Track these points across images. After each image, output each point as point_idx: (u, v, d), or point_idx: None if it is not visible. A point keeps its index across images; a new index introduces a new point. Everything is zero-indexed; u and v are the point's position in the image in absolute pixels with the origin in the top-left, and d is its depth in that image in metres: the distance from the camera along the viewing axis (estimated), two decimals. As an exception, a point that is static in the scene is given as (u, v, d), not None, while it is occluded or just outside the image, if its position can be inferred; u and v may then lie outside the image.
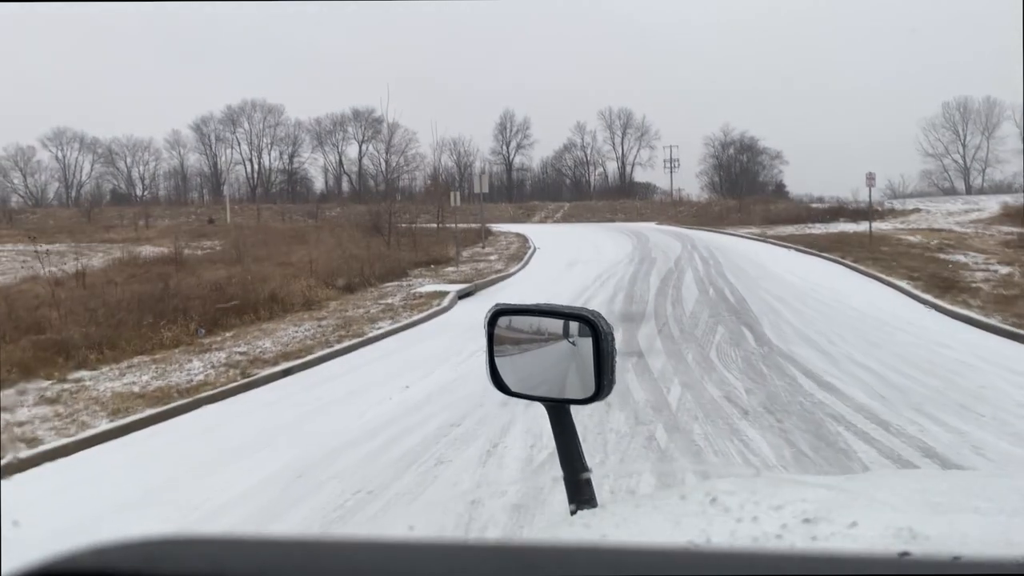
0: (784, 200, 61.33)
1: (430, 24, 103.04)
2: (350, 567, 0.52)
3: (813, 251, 21.37)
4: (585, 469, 1.33)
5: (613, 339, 1.29)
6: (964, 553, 0.70)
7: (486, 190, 27.04)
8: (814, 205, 51.01)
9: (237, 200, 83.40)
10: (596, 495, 1.32)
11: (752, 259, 20.56)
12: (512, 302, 1.43)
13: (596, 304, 13.40)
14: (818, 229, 30.45)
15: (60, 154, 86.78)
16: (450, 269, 19.87)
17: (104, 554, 0.51)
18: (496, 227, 40.86)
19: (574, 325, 1.32)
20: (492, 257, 23.18)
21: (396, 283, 17.09)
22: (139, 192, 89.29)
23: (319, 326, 11.75)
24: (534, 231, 38.31)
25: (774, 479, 1.41)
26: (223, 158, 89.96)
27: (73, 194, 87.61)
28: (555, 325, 1.36)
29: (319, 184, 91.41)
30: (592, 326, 1.28)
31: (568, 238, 32.04)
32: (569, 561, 0.54)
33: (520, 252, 24.59)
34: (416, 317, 12.56)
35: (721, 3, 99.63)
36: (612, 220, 60.65)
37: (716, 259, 20.67)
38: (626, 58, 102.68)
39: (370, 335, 11.09)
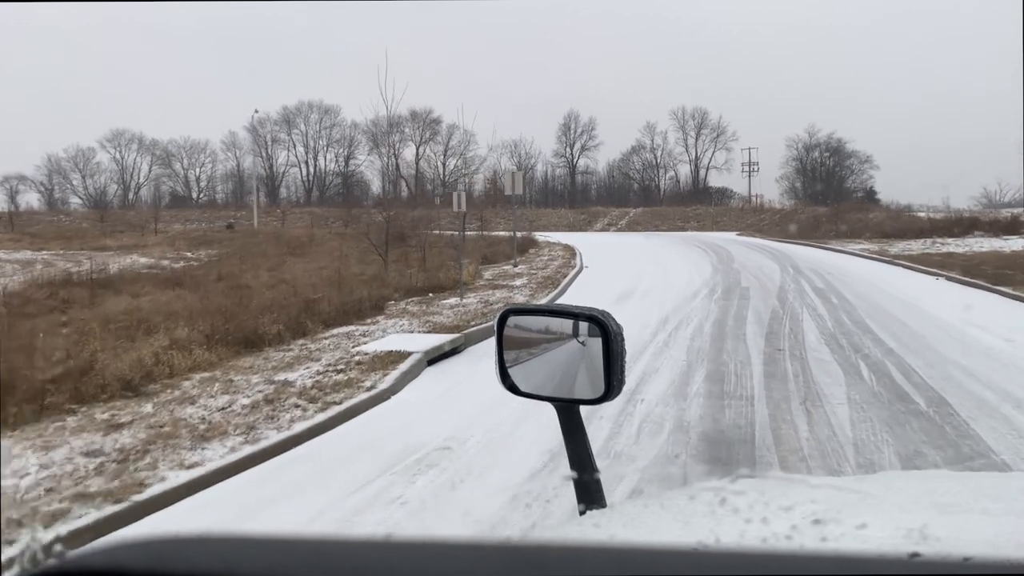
0: (877, 208, 52.93)
1: (490, 24, 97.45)
2: (358, 566, 0.51)
3: (981, 283, 14.44)
4: (594, 469, 1.32)
5: (623, 339, 1.27)
6: (974, 554, 0.66)
7: (519, 191, 20.88)
8: (922, 214, 43.21)
9: (292, 203, 79.49)
10: (605, 495, 1.28)
11: (892, 294, 13.80)
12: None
13: (652, 399, 7.08)
14: (955, 246, 23.18)
15: (118, 155, 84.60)
16: (450, 301, 13.76)
17: (115, 553, 0.50)
18: (545, 236, 34.69)
19: (584, 325, 1.31)
20: (519, 281, 16.95)
21: (350, 328, 11.04)
22: (195, 194, 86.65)
23: (68, 454, 5.73)
24: (590, 242, 31.92)
25: (784, 480, 1.22)
26: (279, 160, 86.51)
27: (131, 196, 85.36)
28: (565, 325, 1.34)
29: (377, 187, 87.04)
30: (602, 326, 1.27)
31: (629, 252, 25.55)
32: (578, 560, 0.53)
33: (559, 274, 18.29)
34: (309, 423, 6.43)
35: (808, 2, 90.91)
36: (684, 228, 53.77)
37: (838, 292, 13.97)
38: (701, 54, 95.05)
39: (145, 495, 5.00)
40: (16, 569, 0.56)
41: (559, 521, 4.10)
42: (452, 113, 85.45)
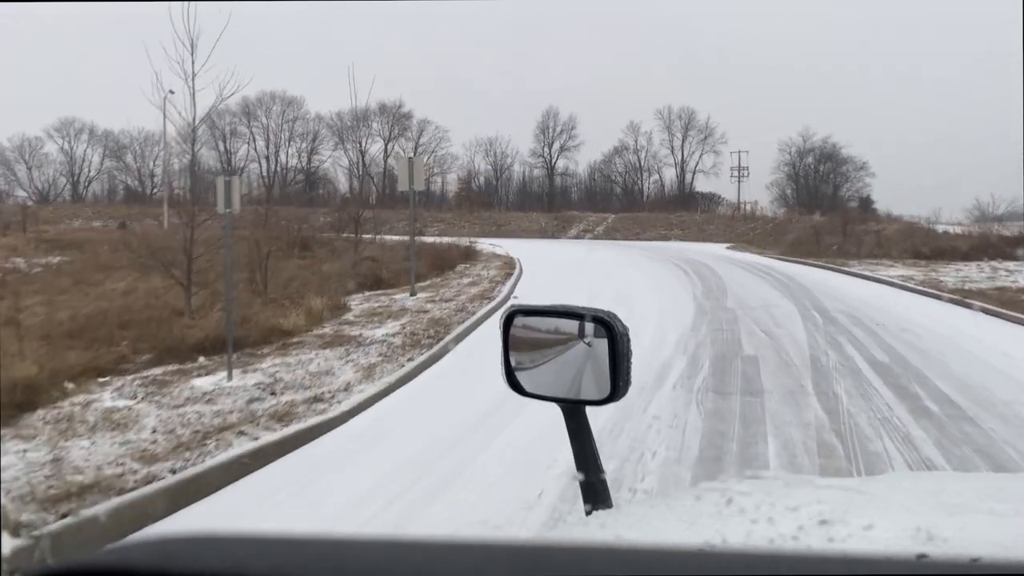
0: (883, 219, 46.25)
1: (465, 17, 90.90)
2: (366, 566, 0.50)
3: None
4: (600, 470, 1.30)
5: (629, 340, 1.26)
6: (981, 555, 0.65)
7: (420, 186, 14.38)
8: (941, 227, 37.09)
9: (252, 199, 72.55)
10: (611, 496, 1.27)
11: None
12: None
13: None
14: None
15: (67, 146, 77.51)
16: (207, 382, 7.22)
17: (123, 552, 0.50)
18: (495, 245, 28.19)
19: (590, 326, 1.29)
20: (386, 327, 10.36)
21: None
22: (149, 190, 79.80)
23: None
24: (548, 255, 25.42)
25: (790, 480, 1.22)
26: (239, 154, 79.72)
27: (81, 190, 78.38)
28: (571, 326, 1.31)
29: (344, 185, 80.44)
30: (607, 327, 1.25)
31: (588, 274, 19.05)
32: (584, 561, 0.53)
33: (463, 313, 11.66)
34: None
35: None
36: (666, 237, 47.40)
37: (924, 377, 7.44)
38: (689, 52, 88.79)
39: None
40: (22, 569, 0.56)
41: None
42: (423, 109, 78.92)
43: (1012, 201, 55.23)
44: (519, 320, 1.33)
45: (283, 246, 22.64)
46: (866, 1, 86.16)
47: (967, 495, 1.12)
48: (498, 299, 13.29)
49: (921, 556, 0.61)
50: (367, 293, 14.48)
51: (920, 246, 23.01)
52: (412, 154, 73.72)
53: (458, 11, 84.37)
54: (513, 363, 1.33)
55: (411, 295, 13.91)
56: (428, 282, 16.09)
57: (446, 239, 31.67)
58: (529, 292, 14.49)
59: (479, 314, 11.61)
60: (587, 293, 14.47)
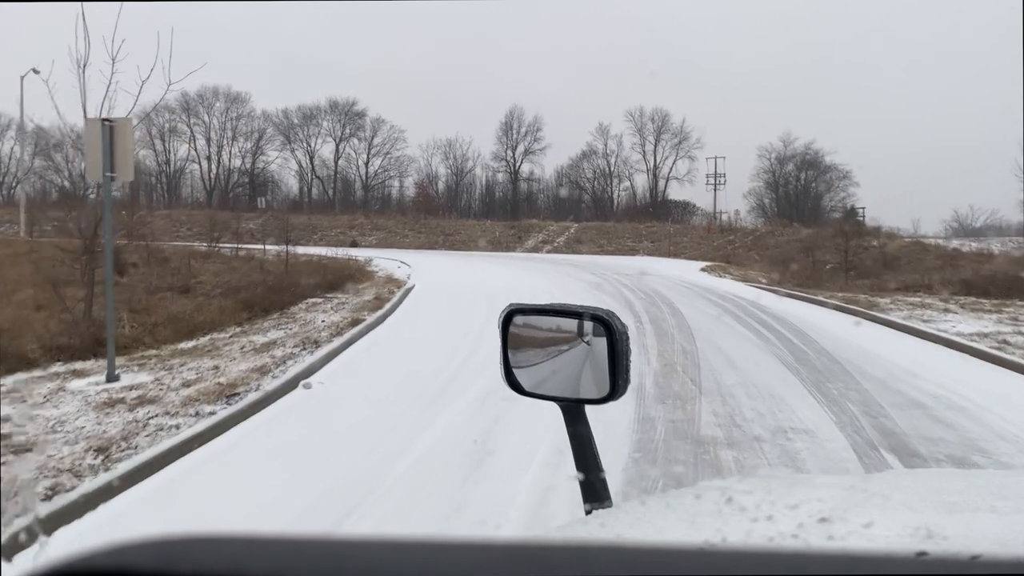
0: (877, 233, 39.61)
1: (425, 16, 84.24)
2: (366, 566, 0.50)
3: None
4: (600, 469, 1.27)
5: (628, 338, 1.22)
6: (982, 552, 0.63)
7: (128, 176, 7.61)
8: (955, 245, 31.20)
9: (195, 204, 65.29)
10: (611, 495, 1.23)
11: None
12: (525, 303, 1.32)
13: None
14: None
15: (-10, 142, 69.70)
16: None
17: (121, 553, 0.49)
18: (401, 264, 21.48)
19: (588, 325, 1.26)
20: None
21: None
22: (80, 190, 72.12)
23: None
24: (460, 279, 18.75)
25: (790, 479, 1.23)
26: (180, 154, 72.25)
27: (11, 192, 70.66)
28: (570, 324, 1.29)
29: (295, 188, 73.47)
30: (607, 325, 1.21)
31: (492, 318, 12.38)
32: (584, 560, 0.53)
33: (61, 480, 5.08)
34: None
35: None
36: (634, 251, 40.97)
37: None
38: (663, 49, 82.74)
39: None
40: (20, 569, 0.53)
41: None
42: (377, 107, 72.60)
43: (992, 213, 50.35)
44: (518, 319, 1.29)
45: (74, 264, 15.83)
46: (852, 3, 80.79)
47: (968, 493, 1.09)
48: (253, 396, 6.61)
49: (921, 554, 0.60)
50: (51, 370, 7.81)
51: (965, 274, 16.70)
52: (364, 157, 66.05)
53: (416, 8, 77.75)
54: (512, 362, 1.29)
55: (107, 380, 7.21)
56: (203, 340, 9.39)
57: (365, 253, 25.03)
58: (346, 371, 7.86)
59: (91, 487, 4.91)
60: (456, 374, 7.79)
